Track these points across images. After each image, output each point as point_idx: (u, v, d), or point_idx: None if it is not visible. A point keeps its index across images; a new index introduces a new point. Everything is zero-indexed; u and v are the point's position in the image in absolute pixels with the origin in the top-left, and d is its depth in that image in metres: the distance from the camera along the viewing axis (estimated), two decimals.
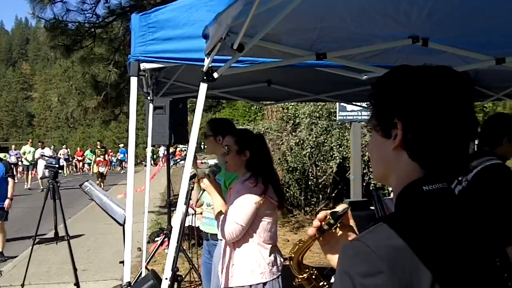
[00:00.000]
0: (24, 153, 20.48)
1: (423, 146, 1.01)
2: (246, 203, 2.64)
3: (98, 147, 21.69)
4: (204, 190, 2.85)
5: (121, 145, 34.42)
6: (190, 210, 4.20)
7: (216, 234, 3.37)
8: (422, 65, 1.07)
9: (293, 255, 1.34)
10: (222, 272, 2.76)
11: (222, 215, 2.70)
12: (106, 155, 22.66)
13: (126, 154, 29.94)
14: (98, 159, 19.79)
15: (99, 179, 18.29)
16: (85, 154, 28.91)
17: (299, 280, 1.35)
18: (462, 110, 1.01)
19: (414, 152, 1.02)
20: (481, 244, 1.02)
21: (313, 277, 1.35)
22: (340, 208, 1.22)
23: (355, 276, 0.90)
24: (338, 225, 1.19)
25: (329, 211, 1.21)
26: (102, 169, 18.78)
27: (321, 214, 1.21)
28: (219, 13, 1.80)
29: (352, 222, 1.26)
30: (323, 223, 1.19)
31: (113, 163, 33.40)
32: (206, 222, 3.73)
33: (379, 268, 0.88)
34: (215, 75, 2.24)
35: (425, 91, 1.01)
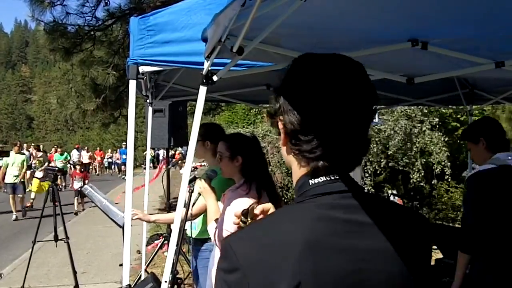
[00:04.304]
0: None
1: (305, 139, 0.97)
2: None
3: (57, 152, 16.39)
4: (200, 194, 2.83)
5: (124, 143, 31.25)
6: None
7: (198, 239, 3.43)
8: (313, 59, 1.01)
9: None
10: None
11: (214, 221, 2.67)
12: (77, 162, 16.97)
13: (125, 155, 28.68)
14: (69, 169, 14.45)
15: (76, 198, 12.54)
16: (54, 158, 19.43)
17: None
18: (345, 103, 0.95)
19: (296, 146, 0.99)
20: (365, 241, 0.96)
21: None
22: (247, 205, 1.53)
23: (220, 272, 0.96)
24: (249, 220, 1.43)
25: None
26: (77, 185, 12.64)
27: (238, 213, 1.46)
28: (216, 13, 1.80)
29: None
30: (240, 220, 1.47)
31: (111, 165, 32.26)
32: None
33: (235, 265, 0.91)
34: (215, 78, 2.23)
35: (298, 84, 0.98)
